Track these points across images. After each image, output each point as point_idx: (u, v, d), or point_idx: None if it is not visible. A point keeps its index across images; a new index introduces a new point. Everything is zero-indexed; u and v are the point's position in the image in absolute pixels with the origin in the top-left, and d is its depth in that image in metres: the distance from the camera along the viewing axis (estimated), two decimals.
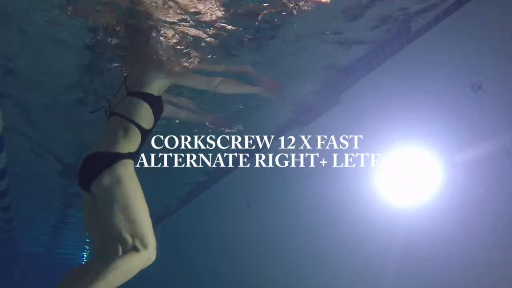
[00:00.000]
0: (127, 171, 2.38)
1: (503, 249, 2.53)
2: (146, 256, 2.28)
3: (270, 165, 5.05)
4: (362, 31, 3.32)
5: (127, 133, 2.49)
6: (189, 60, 3.34)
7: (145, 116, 2.59)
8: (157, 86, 2.73)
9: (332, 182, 3.98)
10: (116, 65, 3.47)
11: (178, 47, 3.22)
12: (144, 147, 2.71)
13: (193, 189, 7.10)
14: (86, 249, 14.10)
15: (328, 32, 3.29)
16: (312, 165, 4.24)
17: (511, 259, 2.49)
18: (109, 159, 2.37)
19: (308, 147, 4.36)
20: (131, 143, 2.49)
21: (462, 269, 2.72)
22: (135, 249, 2.26)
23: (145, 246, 2.27)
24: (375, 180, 3.52)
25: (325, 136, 4.10)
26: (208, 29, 3.07)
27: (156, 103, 2.69)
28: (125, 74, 3.39)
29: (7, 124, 4.68)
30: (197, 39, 3.14)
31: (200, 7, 2.83)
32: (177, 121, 4.20)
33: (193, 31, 3.07)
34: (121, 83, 2.95)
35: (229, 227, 5.90)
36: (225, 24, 3.00)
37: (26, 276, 14.97)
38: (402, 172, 3.31)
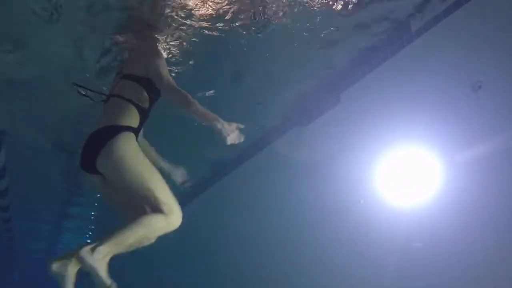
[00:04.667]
0: (130, 141, 2.43)
1: (503, 249, 2.53)
2: (171, 220, 2.32)
3: (270, 165, 5.06)
4: (362, 30, 3.33)
5: (126, 110, 2.55)
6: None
7: (140, 95, 2.63)
8: (148, 69, 2.70)
9: (332, 182, 3.97)
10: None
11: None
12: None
13: (192, 189, 7.09)
14: None
15: (327, 32, 3.30)
16: (312, 165, 4.24)
17: (511, 259, 2.49)
18: (111, 131, 2.41)
19: (308, 147, 4.36)
20: (131, 118, 2.54)
21: (462, 269, 2.72)
22: (160, 211, 2.30)
23: (169, 211, 2.31)
24: (375, 180, 3.52)
25: (325, 136, 4.11)
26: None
27: (149, 83, 2.67)
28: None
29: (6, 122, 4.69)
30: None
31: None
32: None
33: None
34: (117, 70, 3.02)
35: (228, 228, 5.89)
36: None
37: (26, 276, 14.96)
38: (402, 172, 3.30)
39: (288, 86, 4.07)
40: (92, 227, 10.22)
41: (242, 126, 2.37)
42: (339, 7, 3.04)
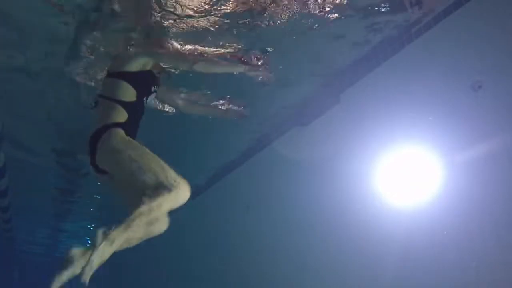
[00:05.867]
0: (117, 135, 2.53)
1: (503, 249, 2.53)
2: (176, 194, 2.32)
3: (270, 165, 5.06)
4: (362, 30, 3.33)
5: (109, 108, 2.69)
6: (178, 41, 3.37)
7: (122, 91, 2.74)
8: (136, 63, 2.84)
9: (332, 182, 3.97)
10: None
11: (165, 23, 3.20)
12: None
13: (192, 189, 7.08)
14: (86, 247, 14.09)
15: (327, 30, 3.30)
16: (311, 164, 4.24)
17: (511, 259, 2.49)
18: (99, 133, 2.57)
19: (308, 147, 4.36)
20: (116, 115, 2.66)
21: (462, 269, 2.72)
22: (162, 190, 2.29)
23: (172, 186, 2.30)
24: (375, 180, 3.52)
25: (325, 136, 4.11)
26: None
27: (134, 77, 2.80)
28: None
29: (6, 123, 4.70)
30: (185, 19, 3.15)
31: None
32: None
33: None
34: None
35: (229, 228, 5.89)
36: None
37: (26, 276, 14.97)
38: (402, 172, 3.30)
39: (288, 85, 4.07)
40: (91, 227, 10.25)
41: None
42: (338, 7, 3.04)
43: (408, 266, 3.08)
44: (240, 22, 3.12)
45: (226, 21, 3.11)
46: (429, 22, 3.15)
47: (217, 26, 3.16)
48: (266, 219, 5.05)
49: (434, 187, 3.01)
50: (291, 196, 4.59)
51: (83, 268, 2.04)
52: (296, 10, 3.03)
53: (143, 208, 2.21)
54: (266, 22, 3.14)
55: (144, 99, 2.89)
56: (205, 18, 3.08)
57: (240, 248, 5.56)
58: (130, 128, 2.69)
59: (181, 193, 2.35)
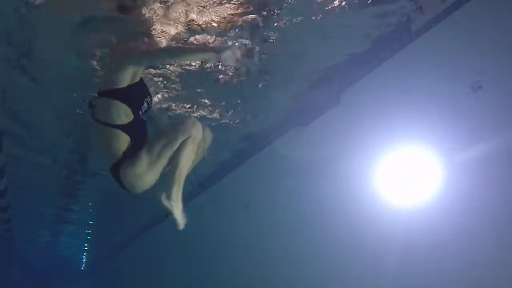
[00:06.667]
0: (131, 170, 2.62)
1: (503, 249, 2.53)
2: (192, 135, 2.56)
3: (270, 165, 5.06)
4: (362, 29, 3.33)
5: (110, 137, 2.62)
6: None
7: (117, 113, 2.57)
8: (125, 75, 2.58)
9: (332, 182, 3.97)
10: None
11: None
12: None
13: (193, 189, 7.09)
14: (85, 248, 14.12)
15: (328, 30, 3.30)
16: (311, 165, 4.24)
17: (511, 259, 2.49)
18: (115, 173, 2.68)
19: (308, 147, 4.36)
20: (121, 145, 2.62)
21: (462, 269, 2.72)
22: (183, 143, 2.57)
23: (184, 134, 2.55)
24: (375, 180, 3.52)
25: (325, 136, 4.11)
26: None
27: (126, 93, 2.59)
28: None
29: (5, 123, 4.70)
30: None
31: None
32: None
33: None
34: None
35: (229, 228, 5.89)
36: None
37: (26, 276, 14.97)
38: (402, 172, 3.30)
39: (288, 85, 4.07)
40: (89, 231, 10.29)
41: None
42: (339, 7, 3.04)
43: (408, 266, 3.08)
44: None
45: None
46: (429, 22, 3.15)
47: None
48: (266, 219, 5.04)
49: (434, 187, 3.01)
50: (291, 196, 4.59)
51: (176, 223, 2.65)
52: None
53: (181, 163, 2.56)
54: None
55: (140, 113, 2.72)
56: None
57: (240, 248, 5.55)
58: (139, 145, 2.64)
59: (195, 131, 2.57)
